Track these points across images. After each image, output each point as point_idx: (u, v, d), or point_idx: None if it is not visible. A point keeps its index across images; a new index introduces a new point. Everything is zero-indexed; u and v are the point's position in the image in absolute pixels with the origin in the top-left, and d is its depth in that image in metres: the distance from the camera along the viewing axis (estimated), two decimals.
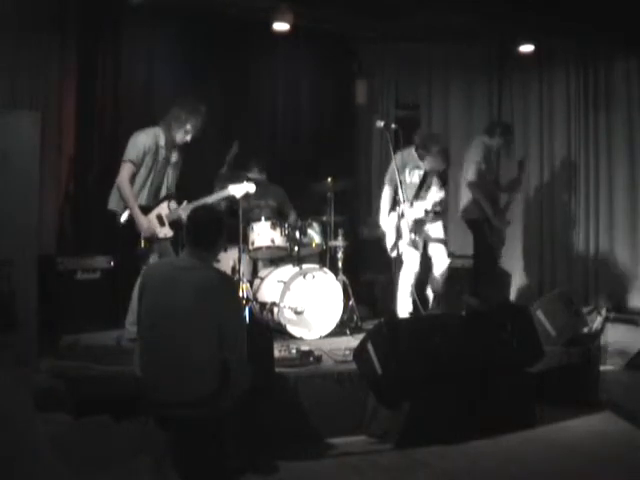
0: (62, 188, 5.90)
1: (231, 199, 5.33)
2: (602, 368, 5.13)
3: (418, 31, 6.97)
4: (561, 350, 4.83)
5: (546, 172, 7.38)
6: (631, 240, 6.89)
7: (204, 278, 3.29)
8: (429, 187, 5.57)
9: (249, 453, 3.52)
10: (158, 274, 3.43)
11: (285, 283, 5.24)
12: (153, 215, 4.86)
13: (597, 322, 5.74)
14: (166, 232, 4.89)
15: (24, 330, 4.37)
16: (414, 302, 5.45)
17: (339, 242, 5.71)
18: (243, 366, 3.28)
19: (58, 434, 3.48)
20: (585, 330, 5.33)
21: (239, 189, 5.10)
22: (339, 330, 5.42)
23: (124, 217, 4.77)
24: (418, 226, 5.52)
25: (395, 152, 5.28)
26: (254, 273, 5.92)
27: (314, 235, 5.67)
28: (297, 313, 5.26)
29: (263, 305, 5.40)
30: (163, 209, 4.92)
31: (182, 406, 3.16)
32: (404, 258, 5.48)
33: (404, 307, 5.45)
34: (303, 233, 5.59)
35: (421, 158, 5.57)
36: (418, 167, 5.59)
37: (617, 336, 5.69)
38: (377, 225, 5.82)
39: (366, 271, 6.83)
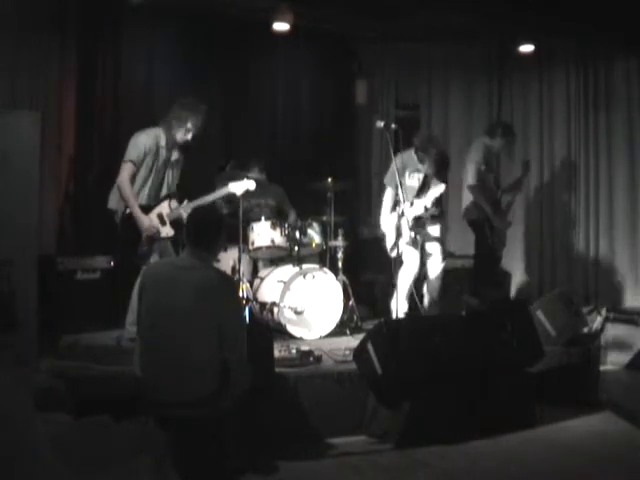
0: (62, 188, 5.90)
1: (231, 197, 5.33)
2: (602, 368, 5.14)
3: (418, 31, 6.96)
4: (561, 350, 4.83)
5: (546, 172, 7.37)
6: (631, 240, 6.89)
7: (204, 278, 3.29)
8: (429, 189, 5.57)
9: (249, 453, 3.52)
10: (158, 274, 3.43)
11: (285, 283, 5.24)
12: (154, 214, 4.85)
13: (597, 322, 5.74)
14: (167, 231, 4.89)
15: (24, 330, 4.37)
16: (413, 302, 5.44)
17: (339, 242, 5.71)
18: (243, 366, 3.28)
19: (58, 434, 3.48)
20: (585, 330, 5.34)
21: (239, 186, 5.09)
22: (339, 330, 5.42)
23: (120, 214, 4.78)
24: (418, 225, 5.52)
25: (395, 153, 5.28)
26: (254, 273, 5.91)
27: (314, 235, 5.66)
28: (297, 313, 5.26)
29: (263, 305, 5.40)
30: (164, 208, 4.91)
31: (182, 406, 3.16)
32: (404, 257, 5.49)
33: (400, 307, 5.44)
34: (303, 233, 5.59)
35: (421, 161, 5.56)
36: (418, 170, 5.58)
37: (617, 336, 5.70)
38: (377, 225, 5.82)
39: (366, 271, 6.83)
